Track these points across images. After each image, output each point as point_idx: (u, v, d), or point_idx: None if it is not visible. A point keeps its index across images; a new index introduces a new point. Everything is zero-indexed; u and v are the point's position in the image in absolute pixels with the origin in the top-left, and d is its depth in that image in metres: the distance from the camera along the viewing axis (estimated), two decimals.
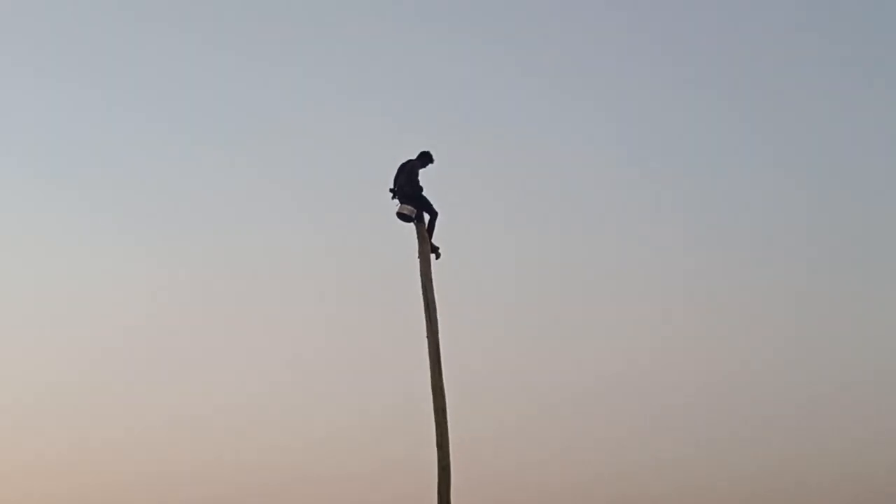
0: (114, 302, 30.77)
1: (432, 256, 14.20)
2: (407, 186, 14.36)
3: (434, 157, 14.68)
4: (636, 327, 30.27)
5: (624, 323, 30.33)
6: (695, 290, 30.95)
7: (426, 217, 14.40)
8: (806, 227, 32.11)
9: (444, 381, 13.44)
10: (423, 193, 14.40)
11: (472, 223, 29.82)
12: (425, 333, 13.64)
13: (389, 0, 34.15)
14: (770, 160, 33.35)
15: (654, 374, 29.36)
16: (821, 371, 29.15)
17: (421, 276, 13.98)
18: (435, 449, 13.21)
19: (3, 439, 28.23)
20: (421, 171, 14.54)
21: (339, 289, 30.53)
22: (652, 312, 30.56)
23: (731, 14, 33.80)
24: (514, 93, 34.16)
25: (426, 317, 13.71)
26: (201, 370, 29.47)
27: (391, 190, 14.49)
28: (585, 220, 32.80)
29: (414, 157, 14.67)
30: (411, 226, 14.35)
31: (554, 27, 34.23)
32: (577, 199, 33.09)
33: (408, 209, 14.26)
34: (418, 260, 14.12)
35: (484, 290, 29.97)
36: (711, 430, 28.44)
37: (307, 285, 30.90)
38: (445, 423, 13.26)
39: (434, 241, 14.34)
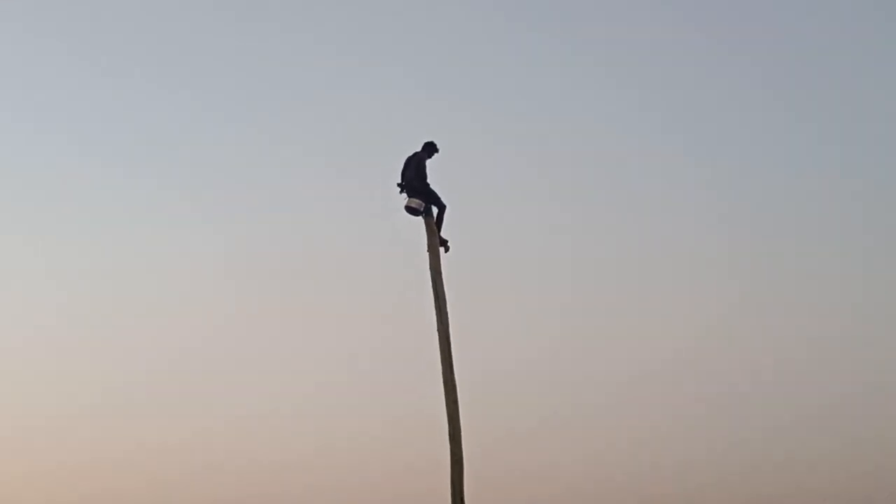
0: (135, 312, 30.87)
1: (441, 250, 14.16)
2: (415, 179, 14.33)
3: (439, 146, 14.63)
4: (652, 323, 30.17)
5: (638, 318, 30.23)
6: (720, 286, 30.83)
7: (434, 210, 14.36)
8: (851, 219, 31.82)
9: (456, 374, 13.44)
10: (431, 186, 14.36)
11: (481, 216, 29.78)
12: (436, 327, 13.63)
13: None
14: (820, 154, 33.16)
15: (669, 371, 29.27)
16: (860, 366, 28.88)
17: (430, 269, 13.95)
18: (448, 442, 13.20)
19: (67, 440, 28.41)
20: (428, 163, 14.51)
21: (348, 283, 30.53)
22: (668, 309, 30.46)
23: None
24: (529, 82, 34.08)
25: (436, 310, 13.67)
26: (217, 372, 29.54)
27: (399, 184, 14.45)
28: (601, 214, 32.72)
29: (419, 148, 14.64)
30: (420, 219, 14.31)
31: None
32: (590, 193, 32.99)
33: (416, 203, 14.21)
34: (427, 253, 14.09)
35: (493, 282, 29.93)
36: (730, 429, 28.35)
37: (317, 281, 30.92)
38: (458, 416, 13.24)
39: (443, 234, 14.31)
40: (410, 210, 14.27)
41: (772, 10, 33.57)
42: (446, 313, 13.64)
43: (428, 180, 14.32)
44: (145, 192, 32.55)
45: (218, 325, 30.49)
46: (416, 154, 14.55)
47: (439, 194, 14.37)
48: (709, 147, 33.52)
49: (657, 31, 33.72)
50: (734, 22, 33.76)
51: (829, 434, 27.48)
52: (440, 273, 13.94)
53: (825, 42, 33.27)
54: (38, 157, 32.95)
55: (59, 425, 28.37)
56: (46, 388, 28.93)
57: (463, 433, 13.21)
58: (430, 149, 14.56)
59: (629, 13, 33.83)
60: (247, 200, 33.13)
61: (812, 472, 27.04)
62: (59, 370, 29.36)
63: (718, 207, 32.19)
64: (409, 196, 14.28)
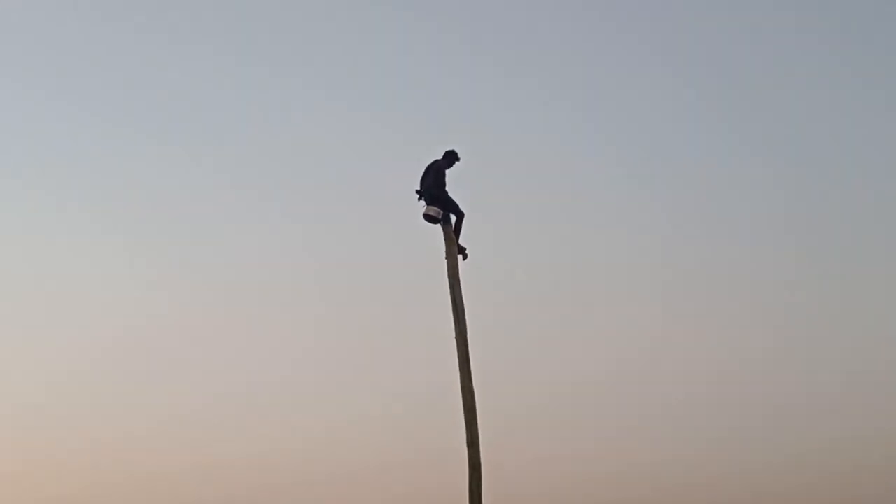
0: (135, 298, 31.09)
1: (459, 257, 14.22)
2: (434, 187, 14.40)
3: (460, 155, 14.72)
4: (660, 322, 30.26)
5: (648, 319, 30.31)
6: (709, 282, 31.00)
7: (453, 218, 14.44)
8: (805, 219, 32.27)
9: (474, 380, 13.50)
10: (450, 194, 14.43)
11: (498, 223, 29.89)
12: (454, 334, 13.70)
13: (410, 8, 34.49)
14: (767, 155, 33.51)
15: (691, 371, 29.35)
16: (824, 364, 29.17)
17: (448, 276, 14.02)
18: (465, 448, 13.27)
19: (6, 439, 28.58)
20: (447, 171, 14.57)
21: (368, 290, 30.66)
22: (679, 306, 30.54)
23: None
24: (535, 97, 34.38)
25: (454, 317, 13.74)
26: (232, 368, 29.69)
27: (418, 191, 14.54)
28: (605, 218, 32.89)
29: (440, 157, 14.73)
30: (438, 227, 14.39)
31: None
32: (591, 199, 33.23)
33: (434, 210, 14.28)
34: (445, 261, 14.17)
35: (511, 289, 30.01)
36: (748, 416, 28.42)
37: (337, 287, 31.06)
38: (475, 422, 13.29)
39: (461, 241, 14.38)
40: (429, 218, 14.34)
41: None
42: (464, 320, 13.71)
43: (447, 188, 14.41)
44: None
45: (238, 329, 30.68)
46: (435, 162, 14.63)
47: (458, 202, 14.47)
48: (676, 157, 34.01)
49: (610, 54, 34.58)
50: None
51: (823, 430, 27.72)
52: (458, 280, 14.00)
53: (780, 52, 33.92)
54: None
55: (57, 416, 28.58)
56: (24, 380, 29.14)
57: (481, 439, 13.31)
58: (450, 157, 14.63)
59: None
60: (265, 204, 33.34)
61: (800, 465, 27.21)
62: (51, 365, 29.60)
63: (694, 212, 32.60)
64: (428, 204, 14.37)
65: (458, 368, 13.53)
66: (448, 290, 13.94)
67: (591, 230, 32.43)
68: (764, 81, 33.84)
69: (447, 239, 14.30)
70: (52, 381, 29.13)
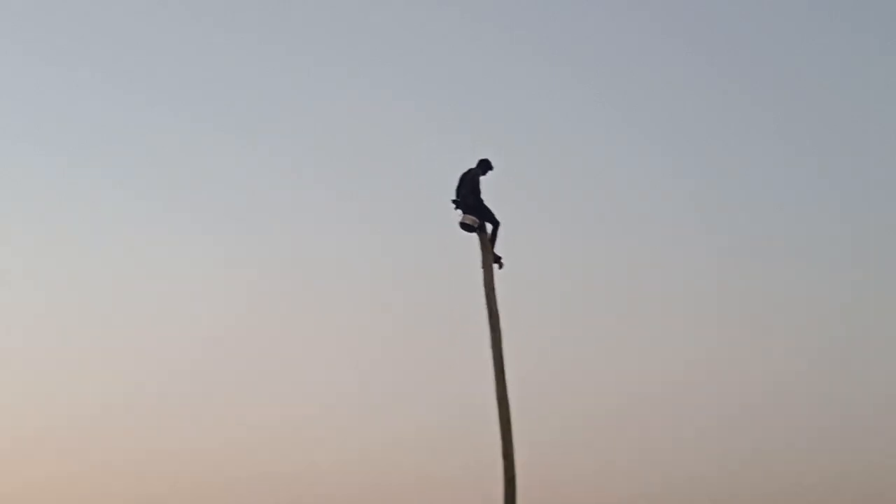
0: (190, 310, 31.30)
1: (495, 266, 14.12)
2: (469, 196, 14.33)
3: (493, 164, 14.64)
4: (697, 335, 29.98)
5: (687, 330, 30.02)
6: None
7: (489, 227, 14.34)
8: (849, 237, 31.87)
9: (509, 391, 13.38)
10: (486, 203, 14.35)
11: (534, 232, 29.76)
12: (489, 343, 13.59)
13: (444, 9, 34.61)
14: (814, 172, 33.19)
15: (726, 380, 29.00)
16: (863, 380, 28.75)
17: (484, 285, 13.92)
18: (501, 460, 13.14)
19: (86, 442, 28.80)
20: (482, 180, 14.50)
21: (403, 299, 30.62)
22: (712, 319, 30.27)
23: None
24: (574, 106, 34.29)
25: (490, 327, 13.64)
26: (267, 380, 29.76)
27: (454, 200, 14.47)
28: (646, 231, 32.66)
29: (474, 165, 14.65)
30: (474, 236, 14.31)
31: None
32: (632, 212, 33.04)
33: (470, 219, 14.21)
34: (481, 270, 14.08)
35: (547, 299, 29.86)
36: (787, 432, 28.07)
37: (372, 296, 31.07)
38: (510, 433, 13.17)
39: (496, 250, 14.27)
40: (465, 227, 14.26)
41: None
42: (500, 329, 13.61)
43: (482, 197, 14.33)
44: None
45: (278, 337, 30.78)
46: (470, 170, 14.57)
47: (493, 212, 14.38)
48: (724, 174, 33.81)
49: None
50: None
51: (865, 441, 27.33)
52: (494, 289, 13.90)
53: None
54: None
55: (79, 427, 28.78)
56: (56, 391, 29.39)
57: (516, 451, 13.18)
58: (484, 166, 14.57)
59: None
60: (296, 209, 33.53)
61: (841, 480, 26.80)
62: (71, 373, 29.83)
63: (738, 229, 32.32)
64: (464, 213, 14.30)
65: (493, 379, 13.44)
66: (484, 300, 13.85)
67: (635, 243, 32.23)
68: (827, 99, 33.56)
69: (483, 248, 14.21)
70: (136, 383, 29.43)
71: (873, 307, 30.18)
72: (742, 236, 32.73)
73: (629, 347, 30.44)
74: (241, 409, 28.97)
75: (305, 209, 33.69)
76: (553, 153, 33.10)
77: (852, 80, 33.98)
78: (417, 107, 34.26)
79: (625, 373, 29.96)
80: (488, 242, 14.23)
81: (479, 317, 13.79)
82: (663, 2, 34.76)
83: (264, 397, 29.36)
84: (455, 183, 14.62)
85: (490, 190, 14.48)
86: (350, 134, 34.08)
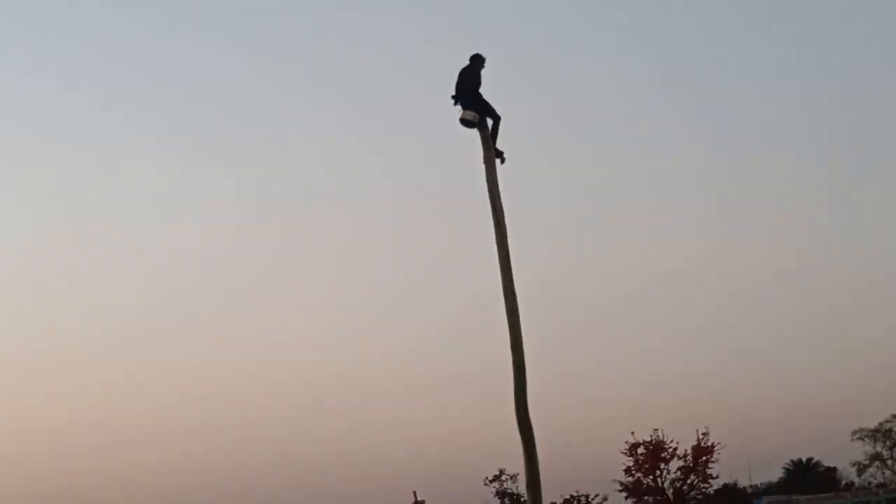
0: (191, 233, 31.65)
1: (497, 161, 14.22)
2: (469, 92, 14.32)
3: (485, 57, 14.49)
4: (700, 225, 30.23)
5: (689, 220, 30.28)
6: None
7: (489, 122, 14.37)
8: (838, 127, 31.95)
9: (515, 281, 13.59)
10: (485, 98, 14.34)
11: (538, 128, 29.84)
12: (494, 237, 13.78)
13: None
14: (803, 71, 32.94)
15: (731, 269, 29.29)
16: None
17: (487, 181, 14.03)
18: (509, 349, 13.46)
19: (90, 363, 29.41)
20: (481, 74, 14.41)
21: (408, 198, 30.89)
22: (712, 210, 30.42)
23: None
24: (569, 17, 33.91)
25: (494, 220, 13.80)
26: (275, 292, 30.21)
27: (453, 96, 14.46)
28: (645, 128, 32.62)
29: (468, 62, 14.52)
30: (475, 131, 14.36)
31: None
32: (624, 112, 32.99)
33: (471, 115, 14.22)
34: (483, 166, 14.16)
35: (551, 192, 30.10)
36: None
37: (378, 197, 31.36)
38: (518, 323, 13.47)
39: (498, 145, 14.32)
40: (465, 123, 14.29)
41: None
42: (504, 223, 13.77)
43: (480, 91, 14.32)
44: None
45: (286, 247, 31.09)
46: (467, 66, 14.51)
47: (493, 106, 14.37)
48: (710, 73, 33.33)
49: None
50: None
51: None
52: (497, 184, 14.01)
53: None
54: None
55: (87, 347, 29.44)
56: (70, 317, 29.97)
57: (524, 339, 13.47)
58: (479, 60, 14.47)
59: None
60: (301, 119, 33.50)
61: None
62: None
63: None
64: (464, 108, 14.33)
65: (499, 270, 13.66)
66: (487, 195, 13.97)
67: (635, 140, 32.30)
68: None
69: (484, 144, 14.26)
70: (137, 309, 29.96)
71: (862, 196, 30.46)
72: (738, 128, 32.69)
73: (632, 239, 30.83)
74: (263, 320, 29.55)
75: (305, 121, 33.68)
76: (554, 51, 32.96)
77: None
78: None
79: (631, 267, 30.34)
80: (489, 138, 14.28)
81: (484, 211, 13.93)
82: None
83: (287, 307, 29.87)
84: (454, 80, 14.64)
85: (490, 86, 14.50)
86: (347, 42, 33.89)
